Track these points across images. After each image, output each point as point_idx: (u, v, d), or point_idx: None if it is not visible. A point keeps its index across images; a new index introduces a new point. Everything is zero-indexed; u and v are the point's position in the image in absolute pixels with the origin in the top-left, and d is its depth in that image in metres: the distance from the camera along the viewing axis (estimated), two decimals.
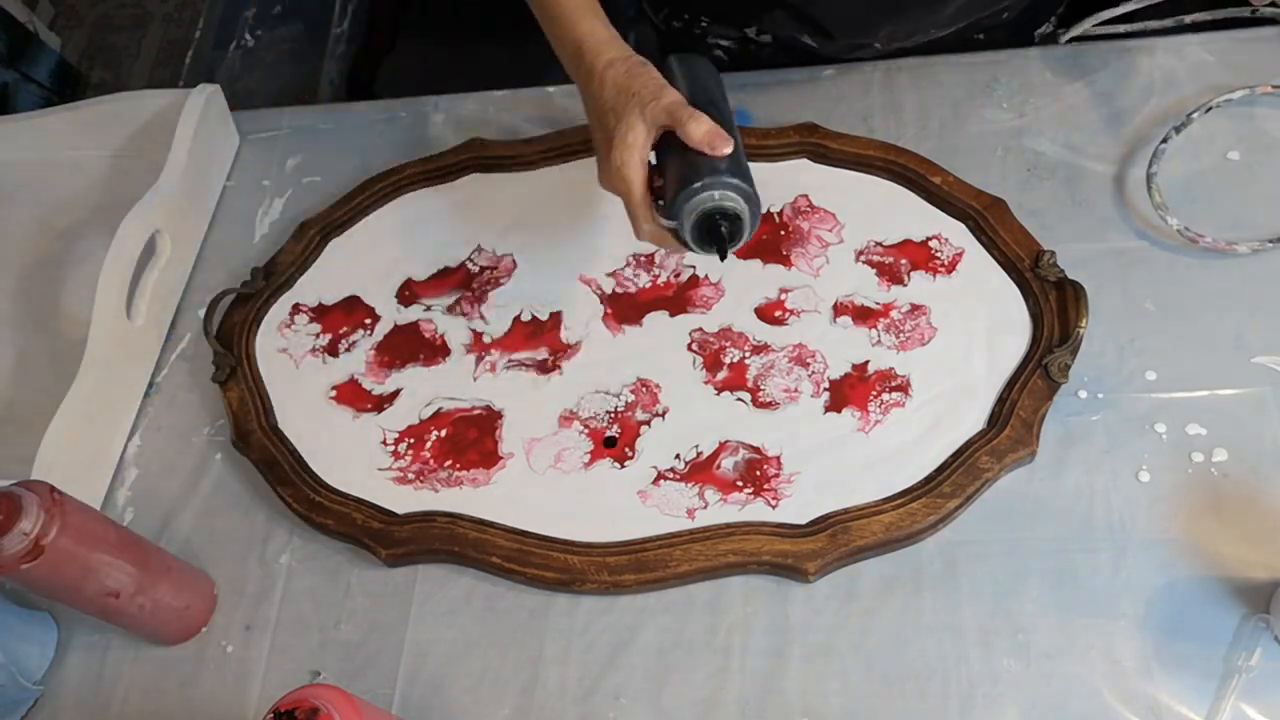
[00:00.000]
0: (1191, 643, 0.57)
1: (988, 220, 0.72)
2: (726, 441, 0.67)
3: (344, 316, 0.78)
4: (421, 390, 0.73)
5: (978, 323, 0.69)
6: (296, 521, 0.70)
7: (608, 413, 0.70)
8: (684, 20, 0.86)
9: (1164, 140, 0.72)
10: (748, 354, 0.70)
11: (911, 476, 0.64)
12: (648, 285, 0.75)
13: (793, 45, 0.82)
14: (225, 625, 0.68)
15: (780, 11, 0.80)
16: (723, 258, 0.60)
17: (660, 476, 0.67)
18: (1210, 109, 0.73)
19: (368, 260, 0.81)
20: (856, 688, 0.59)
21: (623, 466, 0.67)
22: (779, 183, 0.76)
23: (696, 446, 0.67)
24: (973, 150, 0.76)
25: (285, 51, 2.07)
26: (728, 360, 0.70)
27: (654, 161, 0.62)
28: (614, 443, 0.68)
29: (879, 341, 0.69)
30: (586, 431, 0.69)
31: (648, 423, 0.69)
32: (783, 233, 0.75)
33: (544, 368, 0.72)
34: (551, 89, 0.88)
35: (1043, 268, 0.69)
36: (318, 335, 0.78)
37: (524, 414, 0.71)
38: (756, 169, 0.77)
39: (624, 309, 0.74)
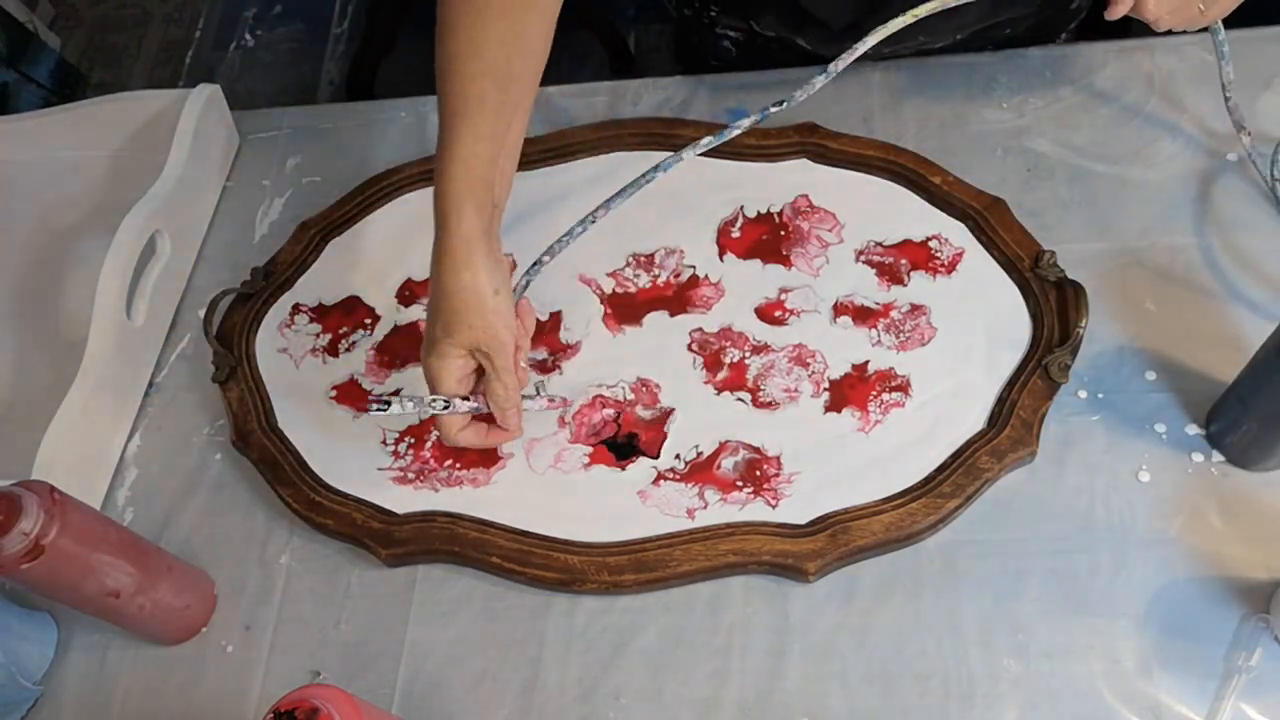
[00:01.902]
0: (1191, 643, 0.57)
1: (988, 220, 0.72)
2: (726, 441, 0.67)
3: (344, 316, 0.78)
4: (421, 390, 0.73)
5: (978, 323, 0.69)
6: (296, 521, 0.70)
7: (607, 413, 0.70)
8: (694, 8, 0.86)
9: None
10: (748, 354, 0.70)
11: (911, 476, 0.64)
12: (648, 285, 0.75)
13: (795, 42, 0.82)
14: (225, 625, 0.68)
15: (776, 11, 0.80)
16: None
17: (660, 476, 0.67)
18: None
19: (368, 260, 0.81)
20: (856, 688, 0.59)
21: (624, 469, 0.67)
22: (779, 183, 0.77)
23: (696, 446, 0.67)
24: (973, 150, 0.76)
25: (285, 51, 2.08)
26: (728, 360, 0.70)
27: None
28: (634, 444, 0.68)
29: (879, 341, 0.69)
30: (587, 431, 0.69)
31: (663, 422, 0.69)
32: (783, 233, 0.75)
33: (544, 368, 0.72)
34: (551, 89, 0.88)
35: (1043, 268, 0.69)
36: (318, 335, 0.78)
37: (524, 414, 0.71)
38: (757, 169, 0.78)
39: (624, 309, 0.74)
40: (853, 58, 0.67)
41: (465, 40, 0.61)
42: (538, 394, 0.69)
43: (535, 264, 0.71)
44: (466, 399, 0.62)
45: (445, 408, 0.61)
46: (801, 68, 0.83)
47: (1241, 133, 0.71)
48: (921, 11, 0.65)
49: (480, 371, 0.63)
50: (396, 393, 0.60)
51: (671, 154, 0.70)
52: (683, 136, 0.80)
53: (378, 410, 0.59)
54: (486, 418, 0.65)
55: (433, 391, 0.62)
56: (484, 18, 0.61)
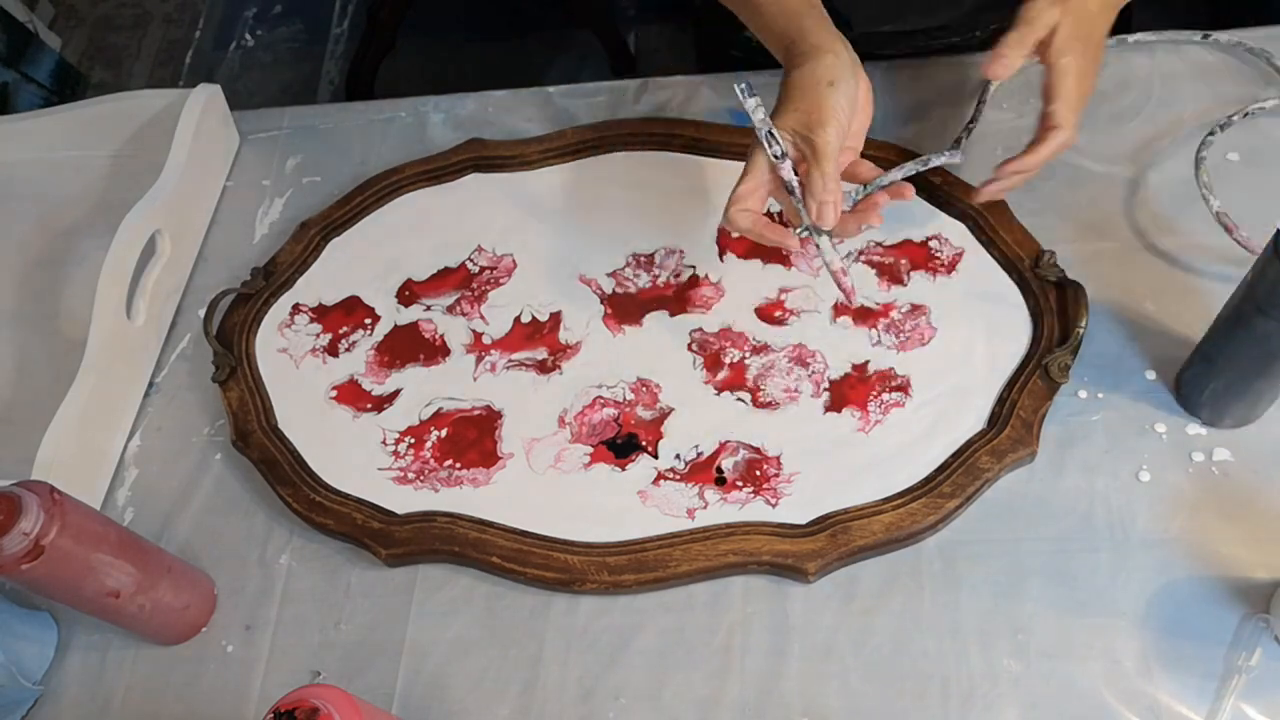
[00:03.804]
0: (1191, 643, 0.57)
1: (988, 220, 0.72)
2: (726, 441, 0.67)
3: (344, 316, 0.78)
4: (421, 390, 0.73)
5: (978, 323, 0.69)
6: (296, 521, 0.70)
7: (607, 413, 0.70)
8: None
9: (1210, 133, 0.72)
10: (748, 354, 0.70)
11: (911, 476, 0.64)
12: (648, 285, 0.75)
13: None
14: (225, 625, 0.68)
15: None
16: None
17: (660, 476, 0.67)
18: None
19: (368, 260, 0.81)
20: (856, 688, 0.59)
21: (624, 469, 0.67)
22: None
23: (696, 446, 0.67)
24: (973, 150, 0.76)
25: (285, 51, 2.08)
26: (728, 360, 0.70)
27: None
28: (635, 442, 0.68)
29: (879, 341, 0.69)
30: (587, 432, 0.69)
31: (661, 421, 0.69)
32: None
33: (544, 368, 0.72)
34: (551, 89, 0.88)
35: (1043, 268, 0.69)
36: (318, 335, 0.78)
37: (524, 414, 0.71)
38: None
39: (624, 309, 0.74)
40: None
41: None
42: (844, 259, 0.65)
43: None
44: (789, 189, 0.59)
45: (780, 157, 0.57)
46: None
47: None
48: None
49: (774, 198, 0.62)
50: (751, 90, 0.56)
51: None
52: (683, 136, 0.80)
53: (743, 91, 0.56)
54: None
55: (747, 168, 0.59)
56: None
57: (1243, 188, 0.71)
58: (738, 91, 0.53)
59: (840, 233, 0.62)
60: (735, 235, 0.64)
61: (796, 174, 0.59)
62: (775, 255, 0.74)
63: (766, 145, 0.56)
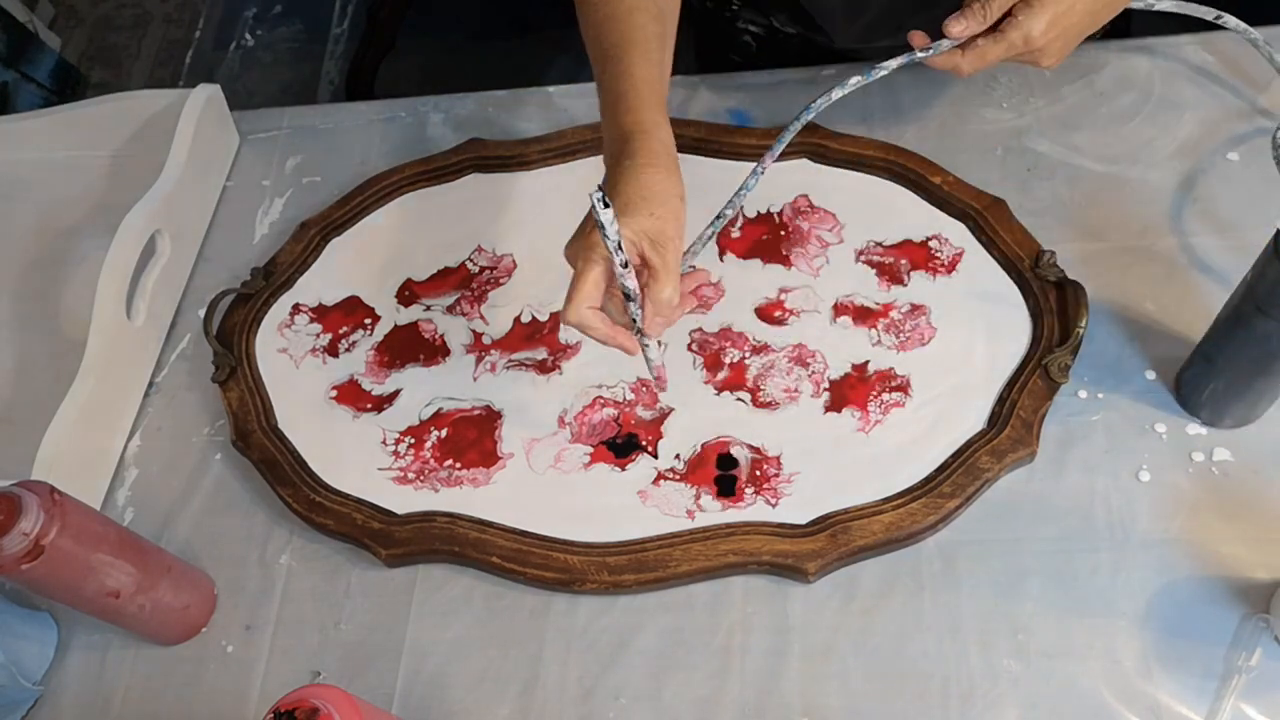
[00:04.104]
0: (1191, 643, 0.57)
1: (988, 220, 0.72)
2: (727, 441, 0.67)
3: (344, 316, 0.78)
4: (421, 390, 0.73)
5: (978, 323, 0.69)
6: (296, 521, 0.70)
7: (607, 413, 0.70)
8: (716, 1, 0.86)
9: None
10: (748, 354, 0.70)
11: (911, 476, 0.64)
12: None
13: (814, 38, 0.82)
14: (225, 625, 0.68)
15: (790, 10, 0.80)
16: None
17: (660, 476, 0.67)
18: None
19: (368, 260, 0.81)
20: (856, 688, 0.59)
21: (624, 470, 0.67)
22: (779, 183, 0.77)
23: (696, 446, 0.67)
24: (973, 150, 0.76)
25: (285, 51, 2.08)
26: (728, 360, 0.70)
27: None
28: (635, 443, 0.68)
29: (879, 341, 0.69)
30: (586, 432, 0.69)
31: (661, 422, 0.69)
32: (783, 233, 0.75)
33: (544, 368, 0.72)
34: (551, 89, 0.88)
35: (1043, 268, 0.69)
36: (318, 335, 0.78)
37: (524, 414, 0.71)
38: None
39: None
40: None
41: None
42: (661, 350, 0.64)
43: (717, 218, 0.66)
44: (628, 296, 0.57)
45: (625, 266, 0.55)
46: (801, 68, 0.83)
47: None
48: (946, 45, 0.62)
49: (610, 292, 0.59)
50: (605, 199, 0.54)
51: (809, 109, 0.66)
52: (683, 136, 0.80)
53: (598, 198, 0.53)
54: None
55: (584, 263, 0.56)
56: None
57: (1242, 188, 0.71)
58: (594, 201, 0.52)
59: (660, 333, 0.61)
60: (572, 340, 0.67)
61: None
62: (775, 255, 0.74)
63: (615, 254, 0.55)
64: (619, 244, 0.54)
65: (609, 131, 0.61)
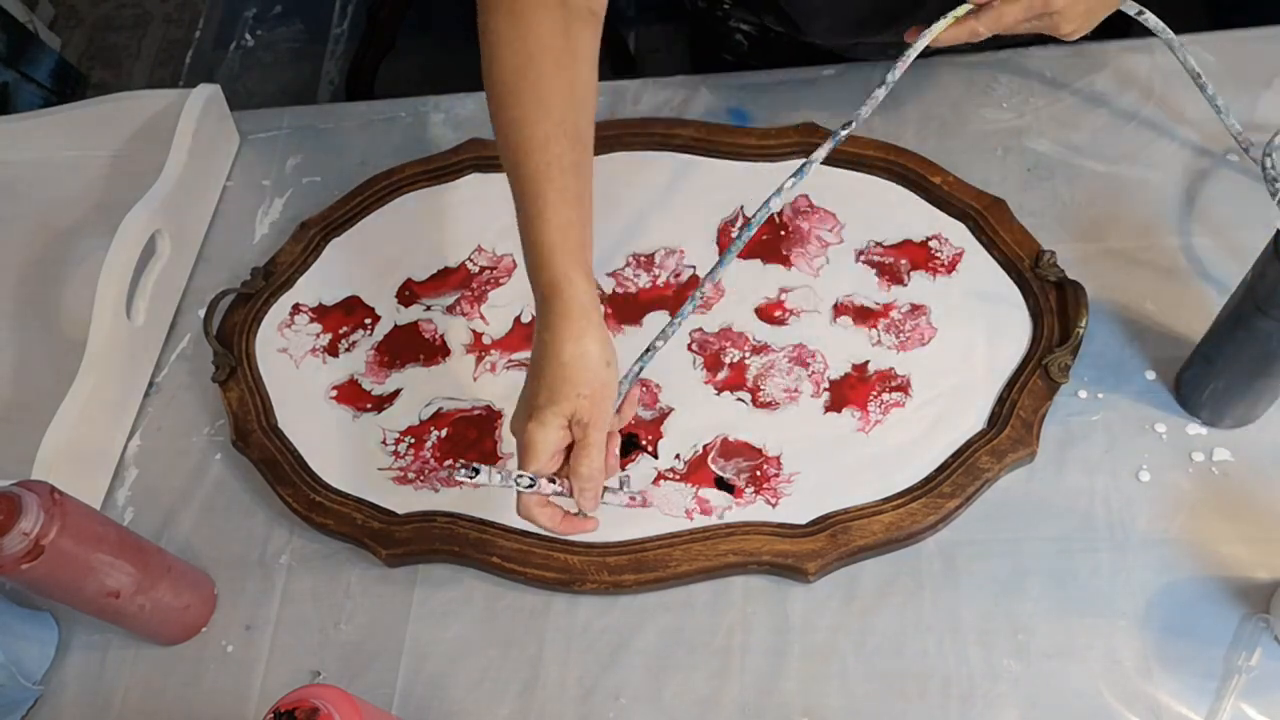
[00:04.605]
0: (1191, 643, 0.57)
1: (988, 220, 0.72)
2: (727, 441, 0.67)
3: (344, 316, 0.78)
4: (421, 390, 0.73)
5: (978, 323, 0.69)
6: (296, 521, 0.70)
7: None
8: (708, 1, 0.86)
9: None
10: (748, 354, 0.70)
11: (911, 476, 0.64)
12: (648, 285, 0.75)
13: (809, 41, 0.82)
14: (225, 625, 0.68)
15: (777, 12, 0.80)
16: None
17: (660, 476, 0.67)
18: None
19: (368, 260, 0.81)
20: (856, 688, 0.59)
21: (624, 470, 0.67)
22: (779, 183, 0.76)
23: (696, 447, 0.67)
24: (973, 150, 0.76)
25: (285, 51, 2.08)
26: (728, 360, 0.70)
27: None
28: (635, 442, 0.68)
29: (879, 341, 0.69)
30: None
31: (661, 421, 0.69)
32: (783, 233, 0.75)
33: None
34: None
35: (1043, 268, 0.69)
36: (318, 335, 0.78)
37: None
38: (757, 169, 0.77)
39: (624, 309, 0.74)
40: (906, 65, 0.63)
41: (530, 102, 0.59)
42: (621, 488, 0.63)
43: (648, 350, 0.64)
44: (553, 480, 0.57)
45: (530, 486, 0.56)
46: (801, 68, 0.83)
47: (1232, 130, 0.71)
48: (961, 11, 0.62)
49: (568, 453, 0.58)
50: (472, 467, 0.55)
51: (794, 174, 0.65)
52: (682, 136, 0.80)
53: (465, 475, 0.54)
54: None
55: (524, 461, 0.56)
56: (542, 76, 0.59)
57: (1242, 189, 0.71)
58: (462, 476, 0.54)
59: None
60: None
61: (555, 480, 0.58)
62: (775, 255, 0.74)
63: (522, 488, 0.55)
64: (517, 478, 0.55)
65: (531, 283, 0.58)
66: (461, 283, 0.78)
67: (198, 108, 0.83)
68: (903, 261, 0.72)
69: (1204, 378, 0.61)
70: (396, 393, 0.74)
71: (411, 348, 0.75)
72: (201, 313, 0.80)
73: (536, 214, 0.57)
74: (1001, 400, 0.65)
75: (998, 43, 0.81)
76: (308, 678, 0.65)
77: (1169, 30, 0.70)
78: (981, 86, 0.79)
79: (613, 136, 0.81)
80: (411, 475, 0.70)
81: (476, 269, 0.78)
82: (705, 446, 0.67)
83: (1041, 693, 0.57)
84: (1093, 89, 0.78)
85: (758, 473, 0.66)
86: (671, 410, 0.69)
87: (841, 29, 0.78)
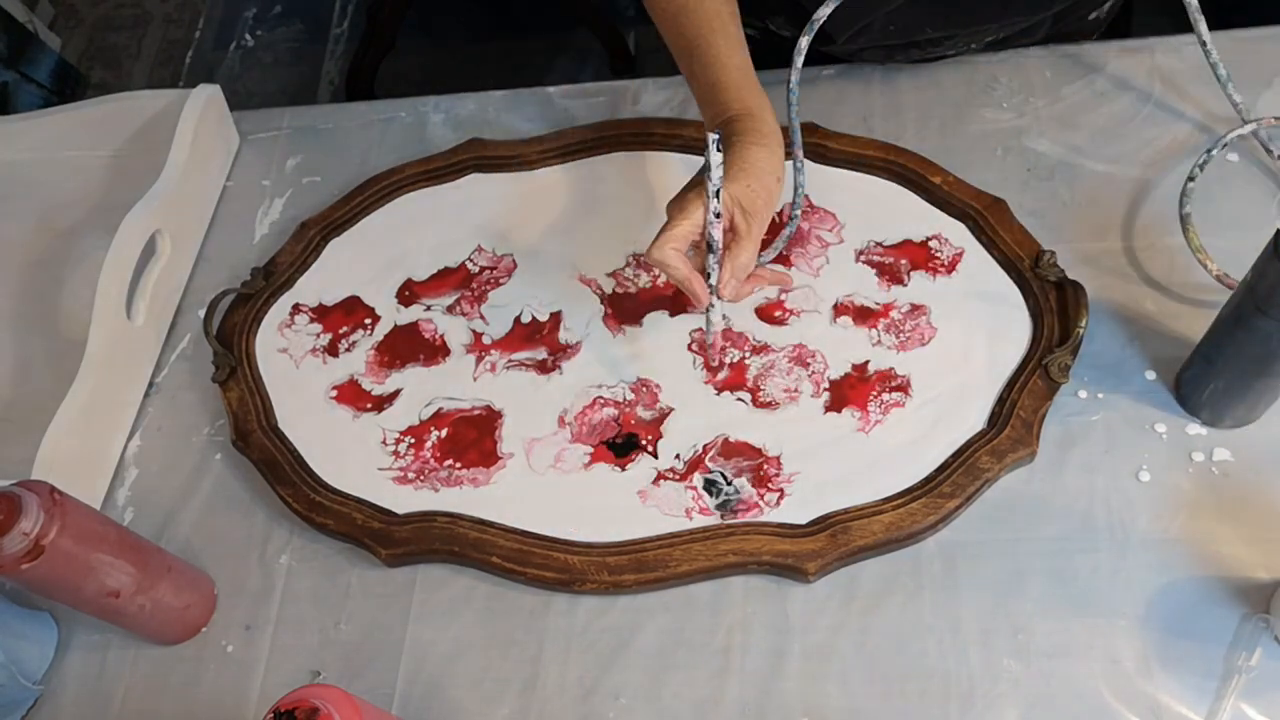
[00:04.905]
0: (1191, 643, 0.57)
1: (988, 220, 0.72)
2: (720, 441, 0.67)
3: (344, 316, 0.78)
4: (421, 390, 0.73)
5: (978, 323, 0.69)
6: (296, 521, 0.70)
7: (608, 413, 0.70)
8: None
9: (1190, 178, 0.71)
10: (748, 354, 0.70)
11: (911, 476, 0.64)
12: (648, 285, 0.75)
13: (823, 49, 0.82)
14: (225, 625, 0.68)
15: (787, 13, 0.80)
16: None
17: (660, 476, 0.67)
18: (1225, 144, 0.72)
19: (368, 260, 0.81)
20: (856, 688, 0.59)
21: (624, 469, 0.67)
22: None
23: (696, 446, 0.67)
24: (973, 150, 0.76)
25: (285, 51, 2.08)
26: (728, 360, 0.70)
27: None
28: (635, 442, 0.68)
29: (879, 341, 0.69)
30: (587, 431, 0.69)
31: (661, 421, 0.69)
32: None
33: (544, 368, 0.72)
34: (551, 89, 0.88)
35: (1043, 268, 0.69)
36: (318, 335, 0.78)
37: (524, 414, 0.71)
38: None
39: (624, 309, 0.74)
40: None
41: None
42: (725, 322, 0.68)
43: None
44: (711, 247, 0.61)
45: (718, 215, 0.59)
46: (808, 67, 0.83)
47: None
48: None
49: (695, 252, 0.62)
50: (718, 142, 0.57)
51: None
52: (682, 136, 0.80)
53: (715, 140, 0.57)
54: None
55: (672, 212, 0.60)
56: None
57: (1242, 188, 0.71)
58: (710, 143, 0.56)
59: (733, 299, 0.64)
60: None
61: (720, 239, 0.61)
62: (775, 255, 0.74)
63: (711, 200, 0.58)
64: (718, 191, 0.58)
65: (712, 117, 0.65)
66: (461, 283, 0.78)
67: (198, 108, 0.83)
68: (903, 261, 0.72)
69: (1204, 378, 0.61)
70: (396, 393, 0.74)
71: (411, 348, 0.75)
72: (201, 313, 0.80)
73: (712, 60, 0.65)
74: (1001, 400, 0.65)
75: (998, 43, 0.82)
76: (308, 678, 0.65)
77: None
78: (981, 86, 0.79)
79: (613, 136, 0.81)
80: (411, 475, 0.70)
81: (476, 269, 0.78)
82: (705, 446, 0.67)
83: (1041, 693, 0.57)
84: (1093, 89, 0.78)
85: (758, 473, 0.66)
86: (671, 410, 0.69)
87: (857, 30, 0.78)
